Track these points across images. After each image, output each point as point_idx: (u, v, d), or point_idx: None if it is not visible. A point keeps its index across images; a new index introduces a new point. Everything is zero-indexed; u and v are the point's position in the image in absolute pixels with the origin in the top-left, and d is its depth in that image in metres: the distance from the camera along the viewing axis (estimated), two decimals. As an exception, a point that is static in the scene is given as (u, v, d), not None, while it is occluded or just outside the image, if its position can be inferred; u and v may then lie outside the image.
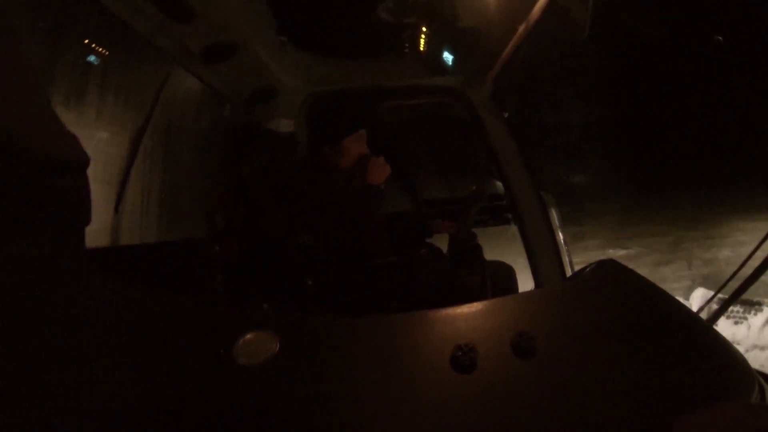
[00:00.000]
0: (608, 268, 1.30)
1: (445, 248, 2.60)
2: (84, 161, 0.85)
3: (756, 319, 5.93)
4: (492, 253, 2.65)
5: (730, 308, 3.98)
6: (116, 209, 2.33)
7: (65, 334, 0.87)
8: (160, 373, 0.88)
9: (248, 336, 0.91)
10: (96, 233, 2.21)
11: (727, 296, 2.56)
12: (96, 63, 2.47)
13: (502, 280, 2.53)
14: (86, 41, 2.39)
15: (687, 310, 1.25)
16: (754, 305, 5.99)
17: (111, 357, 0.88)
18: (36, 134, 0.73)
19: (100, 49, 2.46)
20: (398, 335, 0.98)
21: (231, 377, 0.87)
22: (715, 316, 2.96)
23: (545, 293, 1.43)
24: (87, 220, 0.83)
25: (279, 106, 3.22)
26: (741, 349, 5.76)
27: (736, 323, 6.04)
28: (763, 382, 1.01)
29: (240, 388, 0.86)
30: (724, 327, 5.96)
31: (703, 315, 3.21)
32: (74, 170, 0.82)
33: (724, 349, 1.09)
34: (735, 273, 2.82)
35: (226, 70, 2.78)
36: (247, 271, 2.39)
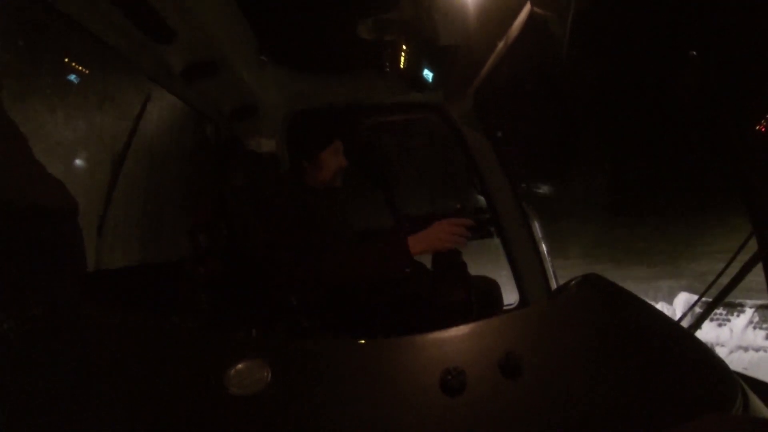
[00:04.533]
0: (592, 282, 1.32)
1: (428, 264, 2.60)
2: (74, 207, 0.84)
3: (738, 321, 6.02)
4: (475, 265, 2.66)
5: (713, 311, 4.06)
6: (99, 232, 2.31)
7: (65, 377, 0.87)
8: (153, 405, 0.88)
9: (239, 366, 0.91)
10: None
11: (710, 299, 2.61)
12: (76, 82, 2.45)
13: (487, 295, 2.54)
14: (66, 60, 2.37)
15: (670, 321, 1.27)
16: (736, 307, 6.08)
17: (107, 392, 0.88)
18: (24, 186, 0.73)
19: (81, 68, 2.44)
20: (389, 360, 0.99)
21: (224, 408, 0.87)
22: (699, 320, 3.00)
23: (530, 312, 1.45)
24: (83, 266, 0.83)
25: (260, 123, 3.22)
26: (725, 350, 5.83)
27: (719, 325, 6.11)
28: (745, 387, 1.04)
29: (234, 419, 0.86)
30: (707, 330, 6.04)
31: (687, 319, 3.25)
32: (65, 218, 0.82)
33: (708, 358, 1.12)
34: (717, 277, 2.87)
35: (207, 89, 2.77)
36: (231, 291, 2.38)
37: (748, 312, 5.95)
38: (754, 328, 5.87)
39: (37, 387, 0.85)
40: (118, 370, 0.93)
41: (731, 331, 6.04)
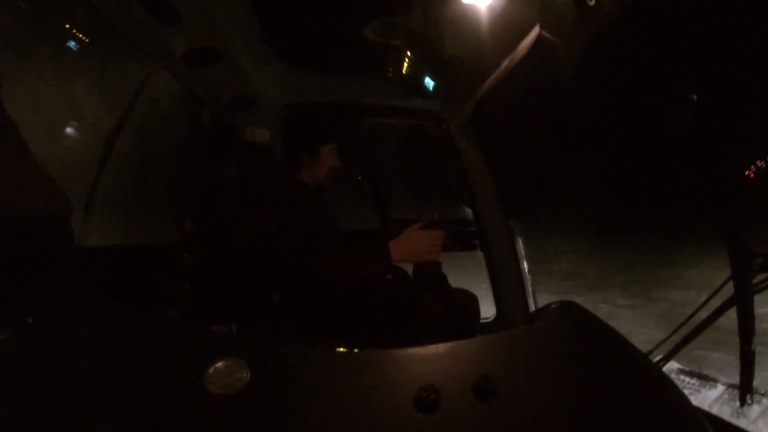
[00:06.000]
0: (568, 310, 1.34)
1: (410, 271, 2.61)
2: (68, 211, 0.84)
3: (709, 393, 6.06)
4: (456, 277, 2.67)
5: (686, 379, 4.13)
6: (86, 209, 2.29)
7: (57, 380, 0.87)
8: (133, 400, 0.88)
9: (219, 364, 0.92)
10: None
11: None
12: (75, 54, 2.43)
13: (464, 308, 2.55)
14: (66, 30, 2.35)
15: (640, 355, 1.30)
16: (709, 380, 6.15)
17: (93, 388, 0.88)
18: (18, 194, 0.72)
19: (80, 39, 2.42)
20: (366, 372, 1.00)
21: (202, 406, 0.87)
22: (668, 357, 3.04)
23: (507, 336, 1.46)
24: (71, 269, 0.83)
25: (257, 114, 3.20)
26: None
27: (690, 394, 6.16)
28: (708, 425, 1.07)
29: (211, 418, 0.87)
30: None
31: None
32: (59, 224, 0.82)
33: (674, 395, 1.14)
34: (689, 318, 2.91)
35: (208, 75, 2.76)
36: (214, 281, 2.37)
37: (720, 388, 6.03)
38: (722, 404, 5.96)
39: (31, 392, 0.85)
40: (103, 367, 0.93)
41: (700, 402, 6.09)
